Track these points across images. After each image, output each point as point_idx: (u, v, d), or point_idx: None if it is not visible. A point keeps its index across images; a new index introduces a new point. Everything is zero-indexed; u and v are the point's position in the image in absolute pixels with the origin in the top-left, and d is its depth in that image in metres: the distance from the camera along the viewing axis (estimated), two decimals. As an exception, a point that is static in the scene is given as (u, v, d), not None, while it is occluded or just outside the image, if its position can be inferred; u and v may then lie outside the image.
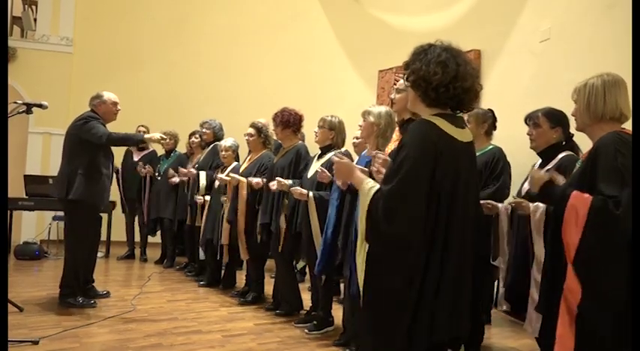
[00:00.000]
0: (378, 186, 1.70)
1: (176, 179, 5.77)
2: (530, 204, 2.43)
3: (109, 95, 4.21)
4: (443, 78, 1.70)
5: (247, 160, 4.64)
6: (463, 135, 1.77)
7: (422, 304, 1.64)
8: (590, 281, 1.75)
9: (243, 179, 4.32)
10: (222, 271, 5.04)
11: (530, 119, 2.80)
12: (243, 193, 4.30)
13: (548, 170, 2.48)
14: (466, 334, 1.78)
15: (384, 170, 2.06)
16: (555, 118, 2.69)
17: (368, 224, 1.69)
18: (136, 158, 6.30)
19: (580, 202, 1.78)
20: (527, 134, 2.81)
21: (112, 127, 4.35)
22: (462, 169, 1.73)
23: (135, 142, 4.28)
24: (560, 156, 2.62)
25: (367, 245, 1.72)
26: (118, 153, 5.66)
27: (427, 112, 1.78)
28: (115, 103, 4.23)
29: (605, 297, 1.74)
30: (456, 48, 1.79)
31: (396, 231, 1.61)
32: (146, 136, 4.20)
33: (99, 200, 4.04)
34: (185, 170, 5.55)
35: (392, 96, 2.88)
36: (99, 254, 6.18)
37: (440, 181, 1.65)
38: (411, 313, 1.64)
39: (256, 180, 4.23)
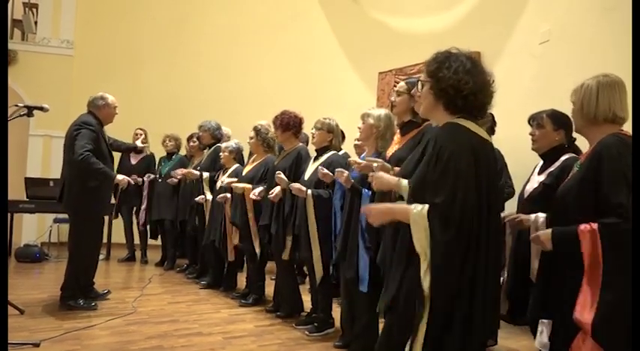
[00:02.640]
0: (427, 205, 1.65)
1: (175, 179, 5.74)
2: (530, 216, 2.39)
3: (112, 99, 4.24)
4: (473, 86, 1.73)
5: (250, 162, 4.65)
6: (486, 134, 1.79)
7: (475, 304, 1.64)
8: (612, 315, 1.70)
9: (248, 186, 4.31)
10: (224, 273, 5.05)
11: (534, 120, 2.78)
12: (250, 201, 4.28)
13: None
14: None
15: (381, 174, 2.06)
16: (559, 120, 2.69)
17: (430, 242, 1.63)
18: (133, 162, 6.28)
19: (590, 235, 1.75)
20: (530, 134, 2.80)
21: (112, 127, 4.37)
22: (492, 168, 1.75)
23: (105, 176, 3.98)
24: (563, 158, 2.61)
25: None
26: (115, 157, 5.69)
27: (447, 119, 1.78)
28: (116, 107, 4.27)
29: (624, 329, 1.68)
30: (471, 54, 1.82)
31: (453, 237, 1.60)
32: (118, 177, 4.06)
33: (98, 206, 4.05)
34: (185, 171, 5.48)
35: (392, 98, 2.88)
36: (100, 257, 6.21)
37: (480, 181, 1.65)
38: (468, 313, 1.64)
39: (258, 190, 4.20)
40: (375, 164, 2.40)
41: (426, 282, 1.64)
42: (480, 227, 1.64)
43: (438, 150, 1.69)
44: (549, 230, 1.93)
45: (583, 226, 1.78)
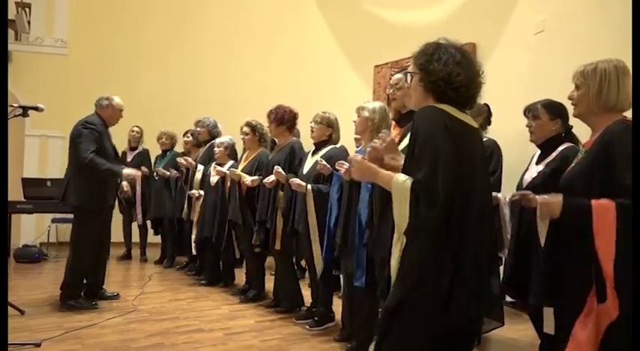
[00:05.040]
0: (410, 178, 1.65)
1: (166, 173, 5.74)
2: (537, 196, 2.40)
3: (118, 101, 4.27)
4: (465, 79, 1.71)
5: (244, 158, 4.64)
6: (471, 121, 1.78)
7: (450, 287, 1.61)
8: (625, 290, 1.69)
9: (245, 175, 4.31)
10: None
11: (530, 111, 2.77)
12: (245, 189, 4.28)
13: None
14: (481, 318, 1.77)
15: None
16: (555, 109, 2.68)
17: (411, 217, 1.62)
18: (129, 158, 6.25)
19: (605, 209, 1.71)
20: (527, 126, 2.79)
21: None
22: (476, 151, 1.74)
23: (113, 175, 4.04)
24: (561, 148, 2.61)
25: (404, 240, 1.65)
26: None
27: None
28: (121, 110, 4.28)
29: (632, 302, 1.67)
30: (459, 45, 1.80)
31: (437, 214, 1.57)
32: (125, 171, 4.03)
33: (98, 203, 4.03)
34: (184, 162, 5.46)
35: (389, 91, 2.87)
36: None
37: (460, 159, 1.63)
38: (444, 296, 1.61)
39: (252, 178, 4.21)
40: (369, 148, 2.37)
41: (395, 254, 1.65)
42: (463, 204, 1.62)
43: (415, 131, 1.69)
44: (560, 197, 1.85)
45: (596, 201, 1.74)
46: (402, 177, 1.68)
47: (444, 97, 1.74)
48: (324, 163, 3.44)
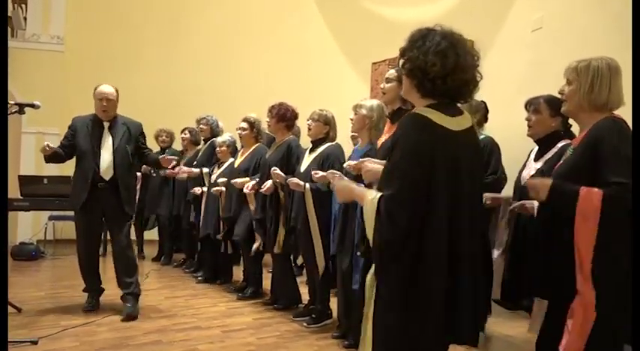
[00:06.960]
0: (379, 194, 1.57)
1: (183, 175, 5.47)
2: (534, 202, 2.40)
3: (99, 89, 3.84)
4: (441, 69, 1.58)
5: (240, 153, 4.64)
6: (460, 123, 1.65)
7: (436, 305, 1.58)
8: (603, 280, 1.73)
9: (248, 181, 4.28)
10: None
11: (531, 105, 2.74)
12: (251, 194, 4.28)
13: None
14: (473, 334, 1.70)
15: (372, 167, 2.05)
16: (557, 106, 2.64)
17: (374, 234, 1.58)
18: None
19: (593, 197, 1.72)
20: (526, 120, 2.74)
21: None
22: (463, 158, 1.61)
23: (47, 158, 4.07)
24: (560, 145, 2.60)
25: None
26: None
27: (420, 103, 1.67)
28: (100, 99, 3.80)
29: (614, 292, 1.73)
30: (457, 34, 1.66)
31: (393, 230, 1.52)
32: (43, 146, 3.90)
33: (74, 200, 3.94)
34: (186, 169, 5.39)
35: (381, 85, 2.88)
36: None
37: (438, 173, 1.54)
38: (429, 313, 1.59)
39: (252, 183, 4.17)
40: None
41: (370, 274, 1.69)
42: (432, 221, 1.54)
43: (395, 142, 1.61)
44: (549, 180, 1.85)
45: (585, 187, 1.74)
46: (372, 194, 1.60)
47: (422, 88, 1.64)
48: (320, 173, 3.36)
